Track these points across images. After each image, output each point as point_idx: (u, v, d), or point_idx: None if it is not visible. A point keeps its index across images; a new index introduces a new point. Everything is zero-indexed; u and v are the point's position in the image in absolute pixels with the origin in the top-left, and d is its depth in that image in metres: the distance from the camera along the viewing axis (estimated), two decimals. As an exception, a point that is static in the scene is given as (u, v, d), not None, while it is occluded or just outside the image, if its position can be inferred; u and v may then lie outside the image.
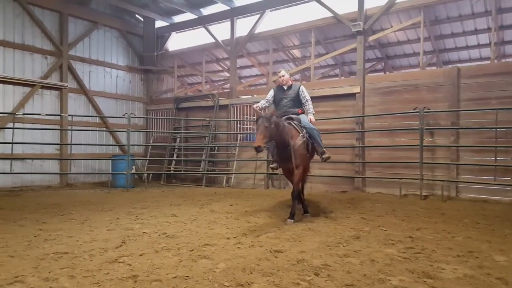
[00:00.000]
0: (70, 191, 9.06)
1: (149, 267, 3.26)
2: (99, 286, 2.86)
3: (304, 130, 5.35)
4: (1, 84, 9.19)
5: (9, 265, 3.36)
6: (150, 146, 12.09)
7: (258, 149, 4.76)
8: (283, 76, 5.67)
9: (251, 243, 4.04)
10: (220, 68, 14.48)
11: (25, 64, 9.70)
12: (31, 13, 9.71)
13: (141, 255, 3.64)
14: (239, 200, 7.40)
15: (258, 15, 10.63)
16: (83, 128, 10.50)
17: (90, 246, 3.95)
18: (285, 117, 5.45)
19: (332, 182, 8.89)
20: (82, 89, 10.90)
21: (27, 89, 9.65)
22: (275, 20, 10.79)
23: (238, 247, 3.89)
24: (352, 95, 8.90)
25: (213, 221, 5.32)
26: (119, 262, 3.43)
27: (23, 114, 9.32)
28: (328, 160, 5.61)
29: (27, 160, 9.38)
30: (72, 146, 9.91)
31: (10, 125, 8.99)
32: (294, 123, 5.38)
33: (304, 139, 5.24)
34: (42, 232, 4.63)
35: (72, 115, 10.16)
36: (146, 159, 11.94)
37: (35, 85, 9.73)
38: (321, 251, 3.77)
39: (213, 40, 11.61)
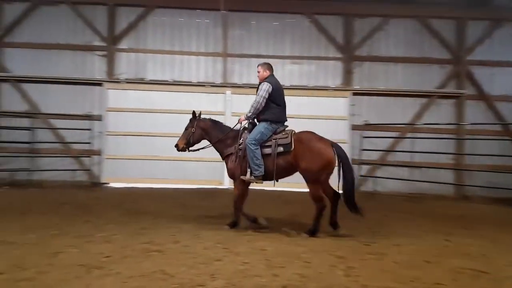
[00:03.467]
0: (466, 204, 8.70)
1: None
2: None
3: (241, 143, 5.05)
4: (402, 98, 10.26)
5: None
6: None
7: (177, 149, 5.42)
8: (258, 72, 5.35)
9: None
10: None
11: (423, 76, 10.34)
12: (429, 27, 10.26)
13: None
14: None
15: None
16: (481, 137, 9.79)
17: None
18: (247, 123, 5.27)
19: None
20: (481, 95, 10.25)
21: (424, 100, 10.23)
22: None
23: None
24: None
25: None
26: None
27: (422, 124, 9.93)
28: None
29: (423, 168, 9.90)
30: (469, 156, 9.50)
31: (410, 135, 9.88)
32: (245, 132, 5.16)
33: (234, 151, 5.12)
34: (451, 244, 4.57)
35: (469, 124, 9.75)
36: None
37: (432, 95, 10.17)
38: None
39: None
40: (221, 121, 5.69)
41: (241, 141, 5.09)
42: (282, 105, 5.18)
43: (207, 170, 9.80)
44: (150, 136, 9.82)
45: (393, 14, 10.33)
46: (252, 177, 4.96)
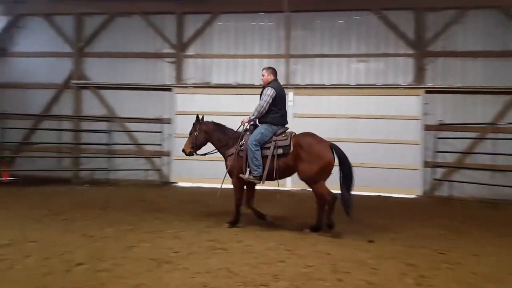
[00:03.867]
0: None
1: None
2: None
3: (243, 144, 5.18)
4: (481, 95, 9.41)
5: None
6: None
7: (185, 153, 5.77)
8: (262, 76, 5.50)
9: None
10: None
11: (506, 71, 9.42)
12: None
13: None
14: None
15: None
16: None
17: None
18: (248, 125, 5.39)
19: None
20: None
21: (508, 97, 9.31)
22: None
23: None
24: None
25: None
26: None
27: (505, 123, 9.05)
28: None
29: (507, 172, 8.99)
30: None
31: (491, 135, 9.05)
32: (247, 134, 5.29)
33: (235, 151, 5.25)
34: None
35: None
36: None
37: (518, 92, 9.21)
38: None
39: None
40: (223, 124, 5.82)
41: (242, 142, 5.25)
42: (283, 109, 5.34)
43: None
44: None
45: (471, 5, 9.54)
46: (251, 177, 5.10)
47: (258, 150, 5.06)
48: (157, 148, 10.49)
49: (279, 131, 5.22)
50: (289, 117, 9.74)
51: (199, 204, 7.28)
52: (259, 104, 5.21)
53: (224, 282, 3.24)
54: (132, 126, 10.71)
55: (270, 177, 5.11)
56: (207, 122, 5.77)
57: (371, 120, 9.72)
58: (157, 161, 10.65)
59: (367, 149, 9.47)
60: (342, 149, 5.14)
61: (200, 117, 5.78)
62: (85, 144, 10.66)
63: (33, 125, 10.94)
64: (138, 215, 6.01)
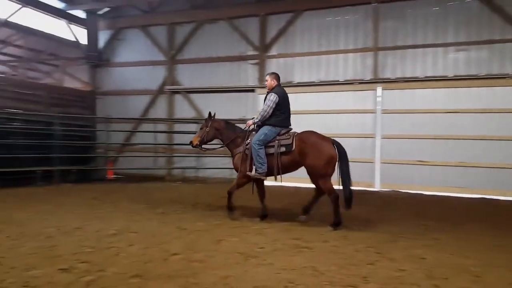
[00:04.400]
0: None
1: None
2: None
3: (249, 143, 5.54)
4: None
5: None
6: None
7: (192, 145, 6.01)
8: (266, 81, 5.77)
9: None
10: None
11: None
12: None
13: None
14: None
15: None
16: None
17: None
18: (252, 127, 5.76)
19: None
20: None
21: None
22: None
23: None
24: None
25: None
26: None
27: None
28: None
29: None
30: None
31: None
32: (253, 133, 5.64)
33: (242, 150, 5.61)
34: None
35: None
36: None
37: None
38: None
39: None
40: (233, 123, 6.29)
41: (248, 141, 5.61)
42: (287, 113, 5.65)
43: (359, 171, 9.60)
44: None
45: None
46: (257, 174, 5.47)
47: (261, 149, 5.42)
48: (241, 148, 10.87)
49: (282, 131, 5.55)
50: (378, 114, 9.49)
51: (280, 203, 7.35)
52: (263, 109, 5.55)
53: (310, 280, 3.23)
54: (218, 127, 11.26)
55: (273, 173, 5.51)
56: (219, 119, 6.08)
57: (471, 114, 8.86)
58: (242, 160, 11.04)
59: (468, 147, 8.73)
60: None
61: (212, 114, 6.04)
62: (177, 144, 11.52)
63: (133, 128, 12.16)
64: (225, 211, 6.30)
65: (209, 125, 5.98)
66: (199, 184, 10.11)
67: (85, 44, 12.74)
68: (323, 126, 9.89)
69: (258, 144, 5.41)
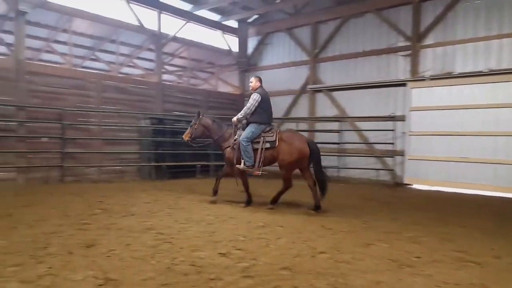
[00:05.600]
0: None
1: None
2: None
3: (236, 139, 6.31)
4: None
5: None
6: None
7: (184, 141, 6.81)
8: (251, 83, 6.56)
9: None
10: None
11: None
12: None
13: None
14: None
15: None
16: None
17: None
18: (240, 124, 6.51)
19: None
20: None
21: None
22: None
23: None
24: None
25: None
26: None
27: None
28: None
29: None
30: None
31: None
32: (240, 130, 6.41)
33: (230, 146, 6.41)
34: None
35: None
36: None
37: None
38: None
39: None
40: (219, 120, 6.94)
41: (236, 137, 6.38)
42: (268, 110, 6.41)
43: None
44: (458, 136, 9.04)
45: None
46: (245, 166, 6.21)
47: (249, 145, 6.15)
48: (389, 147, 10.24)
49: (267, 128, 6.28)
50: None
51: (436, 209, 6.66)
52: (247, 106, 6.29)
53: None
54: (362, 125, 10.87)
55: (258, 165, 6.15)
56: (206, 117, 6.85)
57: None
58: (389, 160, 10.40)
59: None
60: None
61: (201, 113, 6.84)
62: (319, 143, 11.51)
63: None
64: (372, 214, 6.03)
65: (197, 123, 6.72)
66: (341, 184, 9.91)
67: (236, 51, 13.96)
68: (491, 123, 8.56)
69: (245, 141, 6.15)
